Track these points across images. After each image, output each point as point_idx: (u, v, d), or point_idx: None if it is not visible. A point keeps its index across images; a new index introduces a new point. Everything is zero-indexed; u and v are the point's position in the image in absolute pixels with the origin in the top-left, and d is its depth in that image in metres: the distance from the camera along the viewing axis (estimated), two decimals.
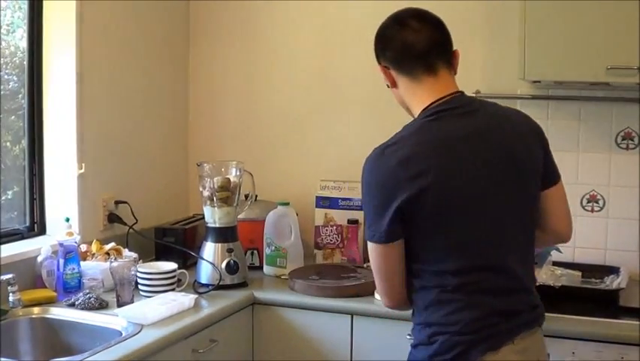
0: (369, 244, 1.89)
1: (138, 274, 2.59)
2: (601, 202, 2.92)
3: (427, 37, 1.87)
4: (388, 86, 1.99)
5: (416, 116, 1.92)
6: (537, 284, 2.07)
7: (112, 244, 2.77)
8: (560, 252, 2.65)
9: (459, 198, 1.81)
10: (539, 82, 2.80)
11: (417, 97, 1.90)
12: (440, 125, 1.85)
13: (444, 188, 1.79)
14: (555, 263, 2.71)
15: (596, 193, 2.93)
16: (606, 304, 2.39)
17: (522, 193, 1.90)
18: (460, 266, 1.84)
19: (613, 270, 2.69)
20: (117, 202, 3.01)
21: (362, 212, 3.07)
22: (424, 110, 1.88)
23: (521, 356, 1.86)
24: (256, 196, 2.97)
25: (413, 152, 1.81)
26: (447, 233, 1.83)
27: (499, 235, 1.87)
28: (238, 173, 2.82)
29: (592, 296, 2.54)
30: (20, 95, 2.79)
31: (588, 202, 2.93)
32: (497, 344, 1.84)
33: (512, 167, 1.87)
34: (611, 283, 2.60)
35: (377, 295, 2.61)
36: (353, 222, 3.08)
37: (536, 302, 1.95)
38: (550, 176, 1.98)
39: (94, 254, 2.70)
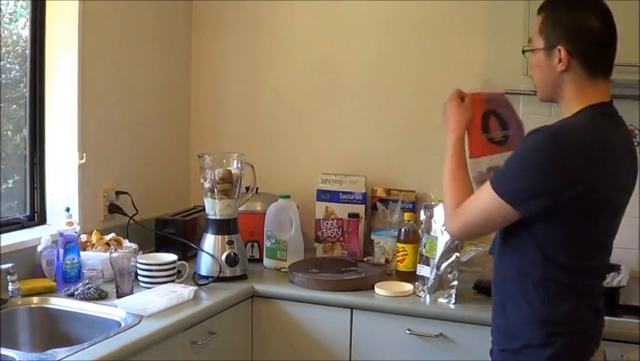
0: (496, 195, 1.86)
1: (138, 265, 2.58)
2: None
3: (614, 46, 1.95)
4: (529, 80, 2.26)
5: (566, 107, 1.96)
6: None
7: (112, 235, 2.76)
8: None
9: (610, 203, 1.91)
10: None
11: (584, 93, 1.92)
12: (607, 127, 1.92)
13: (606, 188, 1.86)
14: None
15: None
16: (607, 302, 2.37)
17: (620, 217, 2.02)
18: (590, 266, 1.93)
19: (613, 268, 2.66)
20: (118, 193, 3.00)
21: (362, 206, 3.09)
22: (591, 106, 1.91)
23: (601, 358, 2.03)
24: (257, 189, 2.97)
25: (589, 144, 1.85)
26: (592, 231, 1.90)
27: (611, 246, 2.01)
28: (239, 165, 2.82)
29: None
30: (22, 85, 2.78)
31: None
32: (597, 344, 1.97)
33: (628, 192, 1.99)
34: (612, 281, 2.58)
35: (377, 290, 2.61)
36: (354, 215, 3.07)
37: None
38: None
39: (94, 244, 2.70)
